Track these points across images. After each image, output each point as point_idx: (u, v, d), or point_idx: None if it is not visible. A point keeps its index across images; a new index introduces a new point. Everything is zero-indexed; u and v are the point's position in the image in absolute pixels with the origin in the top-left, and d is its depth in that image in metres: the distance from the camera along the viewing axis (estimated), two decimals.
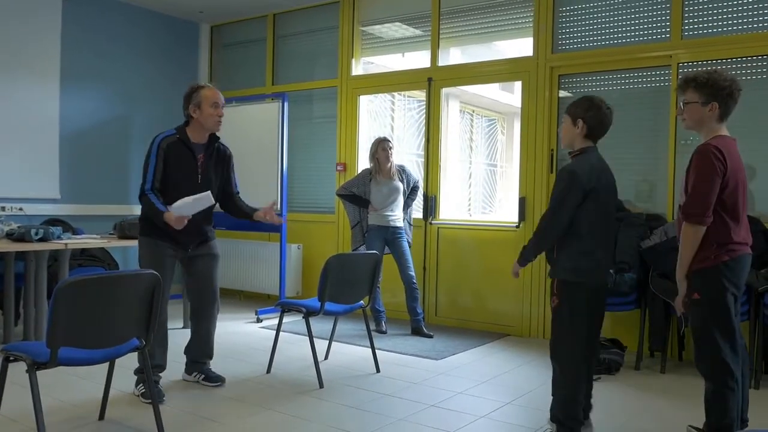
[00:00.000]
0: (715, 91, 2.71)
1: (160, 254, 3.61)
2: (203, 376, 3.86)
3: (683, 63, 4.76)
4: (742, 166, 2.77)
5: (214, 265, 3.83)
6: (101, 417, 3.23)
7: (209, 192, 3.55)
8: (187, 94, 3.69)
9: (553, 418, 2.95)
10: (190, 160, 3.64)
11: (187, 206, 3.49)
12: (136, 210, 6.41)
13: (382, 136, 5.49)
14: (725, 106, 2.72)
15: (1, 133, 5.64)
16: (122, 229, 4.92)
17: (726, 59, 4.63)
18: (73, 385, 3.76)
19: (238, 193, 3.94)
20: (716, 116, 2.73)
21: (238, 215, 3.93)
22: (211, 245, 3.83)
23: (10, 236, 4.42)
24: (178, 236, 3.59)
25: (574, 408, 2.88)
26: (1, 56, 5.63)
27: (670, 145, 4.79)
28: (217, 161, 3.78)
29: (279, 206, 6.02)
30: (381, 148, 5.30)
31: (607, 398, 3.75)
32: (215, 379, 3.84)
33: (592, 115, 2.84)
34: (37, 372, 2.58)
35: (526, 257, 2.99)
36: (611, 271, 4.31)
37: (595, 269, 2.88)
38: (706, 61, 4.70)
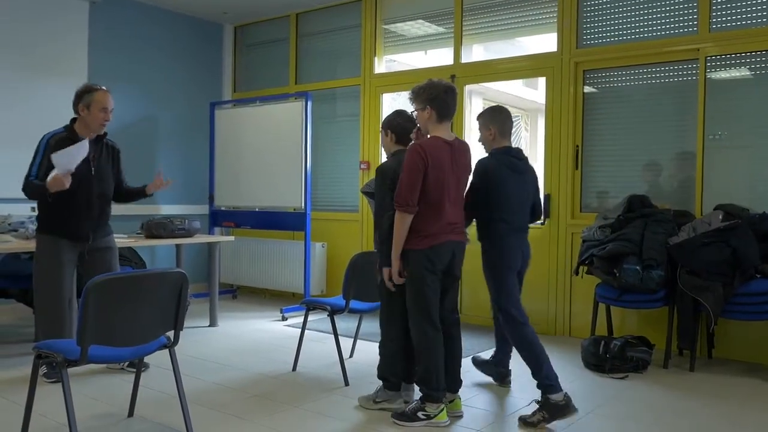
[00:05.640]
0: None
1: (58, 255, 3.71)
2: (127, 363, 3.93)
3: (711, 57, 4.68)
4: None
5: (113, 256, 3.96)
6: (130, 414, 3.27)
7: (85, 140, 3.63)
8: (80, 93, 3.78)
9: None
10: None
11: (65, 159, 3.51)
12: (163, 210, 6.53)
13: None
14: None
15: (29, 135, 5.69)
16: (149, 228, 4.96)
17: (755, 52, 4.55)
18: (102, 382, 3.82)
19: (126, 182, 4.09)
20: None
21: (131, 198, 4.09)
22: (109, 239, 3.96)
23: None
24: (79, 228, 3.72)
25: None
26: (27, 59, 5.73)
27: (699, 141, 4.71)
28: (107, 155, 3.92)
29: (303, 205, 6.06)
30: None
31: (635, 397, 3.71)
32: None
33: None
34: (68, 369, 2.63)
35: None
36: (638, 268, 4.27)
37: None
38: (735, 54, 4.62)
